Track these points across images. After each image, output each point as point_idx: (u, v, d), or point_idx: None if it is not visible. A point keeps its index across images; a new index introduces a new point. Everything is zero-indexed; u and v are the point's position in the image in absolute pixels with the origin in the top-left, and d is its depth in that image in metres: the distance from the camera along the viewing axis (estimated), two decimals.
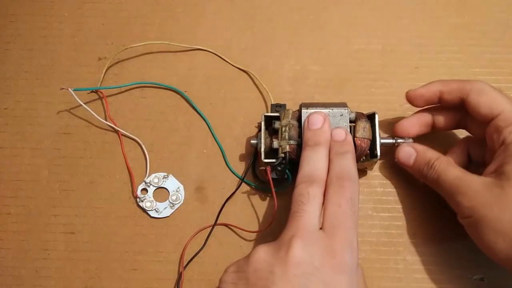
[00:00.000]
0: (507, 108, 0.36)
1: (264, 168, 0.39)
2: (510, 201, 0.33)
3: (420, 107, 0.41)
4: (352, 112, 0.40)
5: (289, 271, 0.29)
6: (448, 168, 0.37)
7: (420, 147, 0.40)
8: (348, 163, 0.35)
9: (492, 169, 0.36)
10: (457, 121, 0.40)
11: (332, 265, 0.30)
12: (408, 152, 0.40)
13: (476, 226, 0.35)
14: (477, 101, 0.37)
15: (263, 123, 0.40)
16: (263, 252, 0.31)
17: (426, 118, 0.41)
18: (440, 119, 0.41)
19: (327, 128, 0.37)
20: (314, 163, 0.35)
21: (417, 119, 0.41)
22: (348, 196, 0.33)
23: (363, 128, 0.39)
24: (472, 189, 0.35)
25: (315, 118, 0.38)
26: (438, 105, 0.41)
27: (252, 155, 0.43)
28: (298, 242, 0.30)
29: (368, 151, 0.40)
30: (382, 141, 0.40)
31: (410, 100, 0.41)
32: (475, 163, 0.40)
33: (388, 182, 0.43)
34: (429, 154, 0.39)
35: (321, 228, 0.32)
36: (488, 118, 0.37)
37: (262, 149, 0.40)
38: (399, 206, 0.42)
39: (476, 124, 0.39)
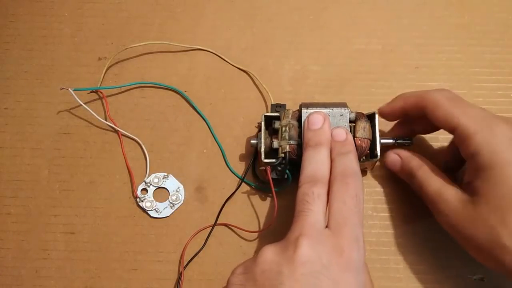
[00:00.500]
0: (462, 122, 0.34)
1: (264, 168, 0.39)
2: (482, 219, 0.33)
3: (394, 121, 0.42)
4: (352, 112, 0.40)
5: (297, 270, 0.29)
6: (429, 179, 0.37)
7: (406, 155, 0.40)
8: (350, 161, 0.35)
9: (465, 180, 0.36)
10: (432, 127, 0.39)
11: (339, 263, 0.30)
12: (394, 159, 0.40)
13: (459, 240, 0.35)
14: (433, 115, 0.36)
15: (263, 123, 0.40)
16: (271, 252, 0.31)
17: (407, 127, 0.41)
18: (418, 127, 0.41)
19: (327, 127, 0.37)
20: (316, 163, 0.35)
21: (397, 127, 0.42)
22: (353, 193, 0.33)
23: (363, 128, 0.39)
24: (448, 206, 0.35)
25: (315, 118, 0.38)
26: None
27: (252, 155, 0.43)
28: (305, 241, 0.30)
29: (368, 151, 0.40)
30: (382, 141, 0.40)
31: (382, 116, 0.41)
32: None
33: (388, 182, 0.43)
34: (412, 163, 0.39)
35: (327, 227, 0.32)
36: (449, 131, 0.36)
37: (262, 149, 0.40)
38: (399, 206, 0.42)
39: None
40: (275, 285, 0.29)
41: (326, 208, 0.33)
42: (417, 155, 0.39)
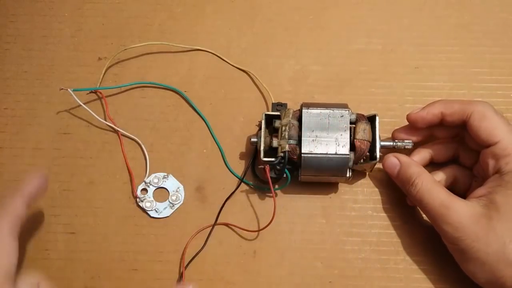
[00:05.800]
0: (506, 138, 0.36)
1: (263, 166, 0.39)
2: (497, 234, 0.34)
3: (421, 128, 0.40)
4: (353, 113, 0.39)
5: None
6: (431, 190, 0.37)
7: (405, 159, 0.39)
8: None
9: (481, 194, 0.36)
10: (452, 153, 0.41)
11: None
12: (393, 163, 0.40)
13: (461, 253, 0.35)
14: (478, 125, 0.37)
15: (263, 122, 0.40)
16: None
17: (425, 155, 0.41)
18: (438, 155, 0.41)
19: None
20: None
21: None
22: None
23: (363, 130, 0.39)
24: (458, 220, 0.35)
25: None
26: (435, 141, 0.41)
27: (252, 155, 0.43)
28: None
29: (368, 153, 0.39)
30: (382, 143, 0.40)
31: (411, 122, 0.40)
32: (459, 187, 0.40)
33: (388, 182, 0.43)
34: (411, 169, 0.38)
35: None
36: (486, 144, 0.36)
37: (262, 148, 0.40)
38: (399, 206, 0.42)
39: (468, 155, 0.40)
40: None
41: None
42: (416, 162, 0.39)
